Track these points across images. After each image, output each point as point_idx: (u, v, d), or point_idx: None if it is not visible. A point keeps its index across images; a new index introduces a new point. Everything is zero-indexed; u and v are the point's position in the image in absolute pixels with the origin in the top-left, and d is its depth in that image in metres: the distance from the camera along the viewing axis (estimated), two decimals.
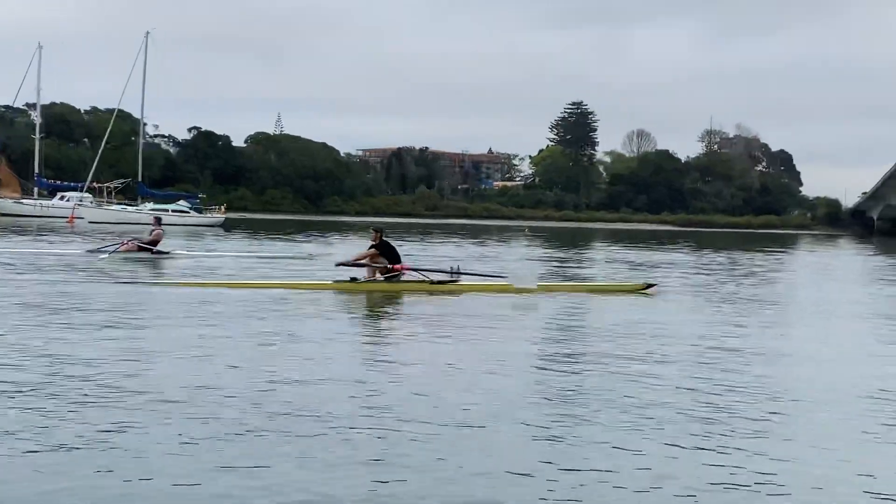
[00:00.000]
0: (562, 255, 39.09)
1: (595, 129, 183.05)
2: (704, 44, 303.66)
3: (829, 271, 37.55)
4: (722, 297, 20.03)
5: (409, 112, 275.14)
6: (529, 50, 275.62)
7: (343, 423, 7.06)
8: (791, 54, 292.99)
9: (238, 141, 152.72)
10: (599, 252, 43.05)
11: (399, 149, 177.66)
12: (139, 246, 25.54)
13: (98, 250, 25.88)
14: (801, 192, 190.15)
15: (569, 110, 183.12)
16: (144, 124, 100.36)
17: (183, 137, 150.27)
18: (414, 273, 17.79)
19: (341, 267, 17.65)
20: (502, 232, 79.03)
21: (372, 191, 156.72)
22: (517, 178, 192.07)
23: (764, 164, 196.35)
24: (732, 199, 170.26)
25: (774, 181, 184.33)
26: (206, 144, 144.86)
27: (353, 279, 17.22)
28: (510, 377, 9.37)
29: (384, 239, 17.84)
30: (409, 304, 16.20)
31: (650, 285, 18.66)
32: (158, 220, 27.09)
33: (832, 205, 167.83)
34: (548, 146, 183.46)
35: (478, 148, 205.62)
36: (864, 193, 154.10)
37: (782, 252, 53.15)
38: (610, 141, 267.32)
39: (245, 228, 56.94)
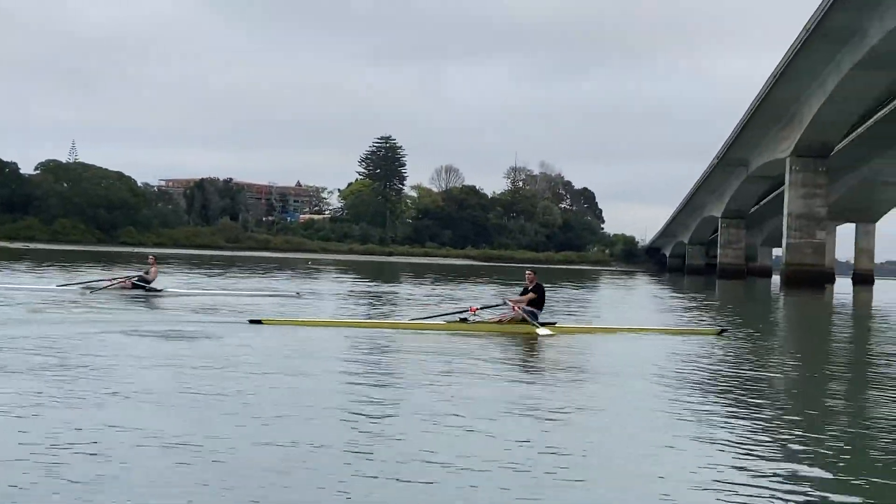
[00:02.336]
0: (382, 290, 37.14)
1: (404, 164, 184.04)
2: (517, 83, 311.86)
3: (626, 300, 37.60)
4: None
5: (219, 143, 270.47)
6: (346, 84, 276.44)
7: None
8: (600, 95, 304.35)
9: (28, 168, 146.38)
10: (411, 287, 41.08)
11: (202, 179, 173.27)
12: (133, 283, 24.92)
13: (89, 285, 25.32)
14: (602, 228, 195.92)
15: (377, 144, 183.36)
16: None
17: None
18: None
19: (509, 304, 17.12)
20: (290, 264, 77.11)
21: (171, 222, 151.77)
22: (326, 212, 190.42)
23: (567, 201, 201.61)
24: (535, 235, 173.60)
25: (577, 218, 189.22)
26: None
27: (464, 320, 16.64)
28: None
29: (539, 283, 17.23)
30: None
31: (724, 330, 18.19)
32: (154, 259, 26.35)
33: (629, 242, 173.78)
34: (357, 180, 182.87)
35: (288, 180, 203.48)
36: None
37: (585, 286, 53.40)
38: (421, 176, 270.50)
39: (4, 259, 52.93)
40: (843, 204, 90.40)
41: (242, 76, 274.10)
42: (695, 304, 35.94)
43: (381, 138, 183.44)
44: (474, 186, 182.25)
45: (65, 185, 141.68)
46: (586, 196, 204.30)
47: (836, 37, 49.77)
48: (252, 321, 16.14)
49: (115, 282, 25.37)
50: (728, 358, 14.12)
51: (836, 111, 57.82)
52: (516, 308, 16.69)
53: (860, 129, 65.19)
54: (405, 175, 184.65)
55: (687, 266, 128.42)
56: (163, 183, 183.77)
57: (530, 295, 16.93)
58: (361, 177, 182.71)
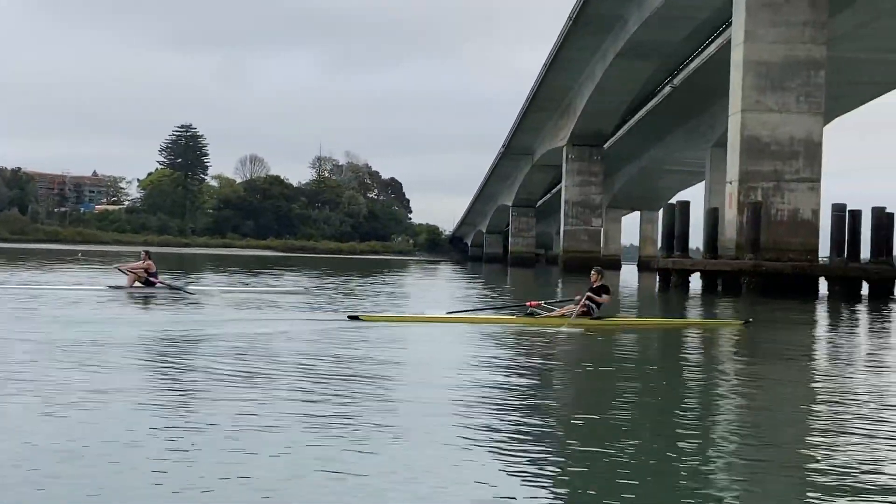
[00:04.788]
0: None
1: (206, 154, 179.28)
2: (325, 72, 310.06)
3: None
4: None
5: (9, 131, 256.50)
6: (147, 71, 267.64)
7: None
8: (407, 85, 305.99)
9: None
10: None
11: None
12: (146, 280, 23.48)
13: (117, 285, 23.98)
14: (410, 218, 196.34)
15: (178, 133, 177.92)
16: None
17: None
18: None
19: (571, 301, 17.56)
20: (59, 256, 72.89)
21: None
22: (126, 202, 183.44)
23: (375, 191, 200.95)
24: (341, 225, 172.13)
25: (383, 208, 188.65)
26: None
27: (531, 314, 17.19)
28: None
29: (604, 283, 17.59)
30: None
31: (749, 321, 18.30)
32: (148, 254, 24.73)
33: (433, 231, 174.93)
34: (157, 169, 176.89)
35: (84, 170, 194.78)
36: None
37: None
38: (224, 165, 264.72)
39: None
40: (626, 192, 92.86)
41: (35, 61, 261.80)
42: (482, 290, 35.57)
43: (182, 126, 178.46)
44: (279, 176, 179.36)
45: None
46: (393, 186, 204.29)
47: (599, 26, 50.45)
48: (351, 317, 16.45)
49: (130, 275, 24.09)
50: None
51: (606, 100, 58.93)
52: (583, 302, 17.11)
53: (634, 119, 66.70)
54: (208, 164, 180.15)
55: (485, 254, 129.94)
56: None
57: (605, 297, 17.31)
58: (162, 166, 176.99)
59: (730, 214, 34.46)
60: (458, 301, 25.66)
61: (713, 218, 37.94)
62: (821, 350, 15.51)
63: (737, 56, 34.51)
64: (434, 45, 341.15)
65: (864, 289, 34.23)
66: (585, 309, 16.96)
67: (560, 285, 45.26)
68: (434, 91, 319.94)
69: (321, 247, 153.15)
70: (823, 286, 33.98)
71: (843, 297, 32.83)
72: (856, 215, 38.50)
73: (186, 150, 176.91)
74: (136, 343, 11.89)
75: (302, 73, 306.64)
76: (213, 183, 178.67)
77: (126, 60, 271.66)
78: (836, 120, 56.76)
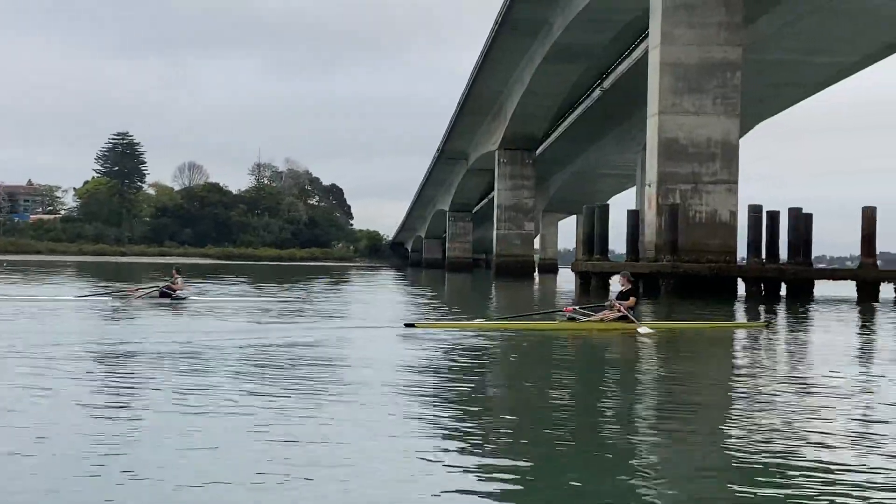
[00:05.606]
0: None
1: (143, 161, 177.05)
2: (266, 79, 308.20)
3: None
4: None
5: None
6: (85, 78, 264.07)
7: None
8: (349, 91, 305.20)
9: None
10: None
11: None
12: (161, 292, 24.77)
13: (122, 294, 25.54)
14: (352, 224, 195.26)
15: (114, 140, 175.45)
16: None
17: None
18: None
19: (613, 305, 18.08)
20: None
21: None
22: (62, 212, 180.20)
23: (316, 197, 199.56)
24: (281, 232, 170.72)
25: (323, 214, 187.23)
26: None
27: (572, 318, 17.86)
28: None
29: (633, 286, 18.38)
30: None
31: (769, 323, 19.62)
32: (178, 270, 26.20)
33: (373, 237, 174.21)
34: (93, 178, 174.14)
35: (19, 179, 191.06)
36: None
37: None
38: (163, 173, 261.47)
39: None
40: (562, 196, 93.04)
41: None
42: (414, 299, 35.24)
43: (118, 134, 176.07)
44: (217, 183, 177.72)
45: None
46: (335, 192, 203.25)
47: (525, 29, 50.40)
48: (407, 325, 17.04)
49: (141, 291, 25.59)
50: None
51: (536, 104, 58.93)
52: (619, 308, 17.61)
53: (566, 123, 66.70)
54: (145, 172, 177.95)
55: (425, 260, 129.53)
56: None
57: (632, 300, 17.82)
58: (98, 175, 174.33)
59: (649, 216, 34.48)
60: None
61: (634, 220, 37.98)
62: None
63: (654, 58, 34.56)
64: (376, 50, 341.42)
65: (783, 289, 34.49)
66: (624, 313, 17.60)
67: (493, 291, 44.96)
68: (376, 96, 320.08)
69: (260, 254, 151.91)
70: (742, 287, 34.15)
71: (762, 297, 33.01)
72: (774, 216, 38.77)
73: (123, 158, 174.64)
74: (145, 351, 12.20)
75: (242, 80, 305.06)
76: (151, 191, 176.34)
77: (64, 67, 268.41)
78: (763, 123, 57.25)
